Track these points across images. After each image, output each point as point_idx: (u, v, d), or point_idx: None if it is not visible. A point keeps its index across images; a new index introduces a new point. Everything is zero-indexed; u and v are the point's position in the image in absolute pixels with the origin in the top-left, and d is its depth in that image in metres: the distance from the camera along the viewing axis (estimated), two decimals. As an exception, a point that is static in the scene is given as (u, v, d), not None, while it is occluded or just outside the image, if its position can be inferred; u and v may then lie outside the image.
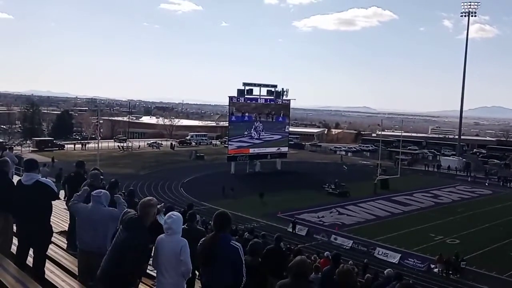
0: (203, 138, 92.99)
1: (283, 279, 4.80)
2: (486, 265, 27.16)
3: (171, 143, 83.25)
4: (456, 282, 26.27)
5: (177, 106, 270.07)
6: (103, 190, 6.06)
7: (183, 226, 5.11)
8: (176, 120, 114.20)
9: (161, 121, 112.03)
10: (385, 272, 10.82)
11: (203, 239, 4.93)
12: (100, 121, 46.66)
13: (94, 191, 5.94)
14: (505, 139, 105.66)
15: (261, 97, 62.60)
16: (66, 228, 8.63)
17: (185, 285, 4.98)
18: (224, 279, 4.78)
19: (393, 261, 28.73)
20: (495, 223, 39.14)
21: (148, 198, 5.11)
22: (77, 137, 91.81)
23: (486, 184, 60.12)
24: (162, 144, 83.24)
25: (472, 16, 76.44)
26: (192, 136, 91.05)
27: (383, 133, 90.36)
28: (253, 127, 61.63)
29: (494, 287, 25.35)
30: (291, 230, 34.35)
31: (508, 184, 60.59)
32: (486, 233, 35.93)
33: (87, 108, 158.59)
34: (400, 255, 29.41)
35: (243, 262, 4.88)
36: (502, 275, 27.05)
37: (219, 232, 4.84)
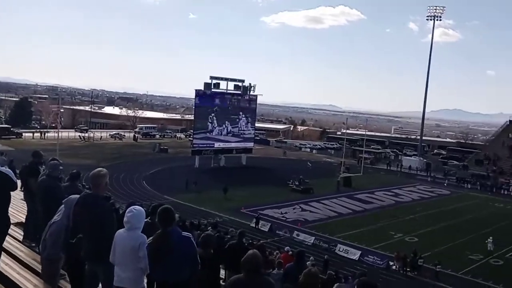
0: (153, 131, 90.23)
1: None
2: (442, 262, 27.90)
3: (134, 135, 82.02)
4: (413, 279, 26.95)
5: (142, 97, 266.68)
6: None
7: (146, 220, 5.04)
8: (140, 111, 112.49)
9: (124, 112, 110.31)
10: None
11: (152, 237, 4.86)
12: (61, 110, 45.40)
13: None
14: (464, 141, 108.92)
15: (228, 91, 62.31)
16: (23, 220, 8.35)
17: (145, 280, 4.92)
18: (182, 270, 4.83)
19: (354, 258, 29.25)
20: (452, 222, 40.38)
21: (98, 169, 5.29)
22: (36, 125, 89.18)
23: (445, 184, 61.89)
24: (125, 135, 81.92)
25: (437, 20, 78.26)
26: (141, 129, 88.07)
27: (347, 131, 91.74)
28: (219, 121, 61.27)
29: (450, 284, 26.14)
30: (254, 225, 34.46)
31: (466, 184, 62.56)
32: (443, 232, 36.95)
33: (47, 96, 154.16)
34: (360, 252, 29.91)
35: (197, 249, 5.07)
36: (457, 272, 27.93)
37: (168, 227, 4.83)
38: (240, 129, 64.59)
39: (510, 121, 79.95)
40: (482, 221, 41.41)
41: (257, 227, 34.40)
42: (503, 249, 32.80)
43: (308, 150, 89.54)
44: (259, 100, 68.97)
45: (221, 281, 7.80)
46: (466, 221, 41.08)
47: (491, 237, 33.07)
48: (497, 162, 69.37)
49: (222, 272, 9.00)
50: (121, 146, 71.53)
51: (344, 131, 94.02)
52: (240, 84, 63.64)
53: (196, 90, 58.95)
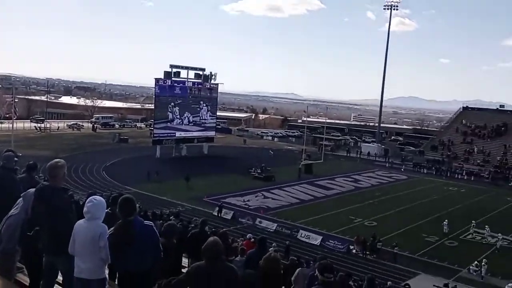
0: (111, 120, 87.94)
1: None
2: (400, 245, 28.84)
3: (93, 125, 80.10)
4: (373, 262, 27.68)
5: (100, 87, 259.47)
6: None
7: (106, 210, 4.98)
8: (99, 101, 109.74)
9: (82, 101, 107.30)
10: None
11: (114, 227, 4.86)
12: (15, 100, 43.78)
13: None
14: (420, 127, 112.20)
15: (188, 80, 61.64)
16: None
17: (106, 270, 4.90)
18: (144, 259, 4.85)
19: (315, 243, 29.79)
20: (409, 206, 41.64)
21: (55, 160, 5.22)
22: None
23: (402, 169, 63.71)
24: (83, 125, 79.90)
25: (394, 9, 79.54)
26: (97, 118, 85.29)
27: (308, 119, 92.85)
28: (180, 110, 60.64)
29: (407, 265, 27.02)
30: (217, 214, 34.52)
31: (422, 170, 64.57)
32: (401, 215, 38.10)
33: (0, 86, 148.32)
34: (321, 237, 30.48)
35: (159, 238, 5.13)
36: (414, 254, 28.93)
37: (129, 217, 4.83)
38: (201, 118, 64.14)
39: (463, 107, 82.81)
40: (437, 204, 42.90)
41: (219, 215, 34.47)
42: (458, 230, 34.22)
43: (270, 138, 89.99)
44: (220, 88, 68.68)
45: (183, 269, 7.82)
46: (423, 205, 42.42)
47: (446, 220, 34.41)
48: (451, 147, 71.77)
49: (185, 261, 9.01)
50: (80, 136, 69.84)
51: (305, 119, 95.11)
52: (200, 72, 63.05)
53: (156, 79, 57.97)
